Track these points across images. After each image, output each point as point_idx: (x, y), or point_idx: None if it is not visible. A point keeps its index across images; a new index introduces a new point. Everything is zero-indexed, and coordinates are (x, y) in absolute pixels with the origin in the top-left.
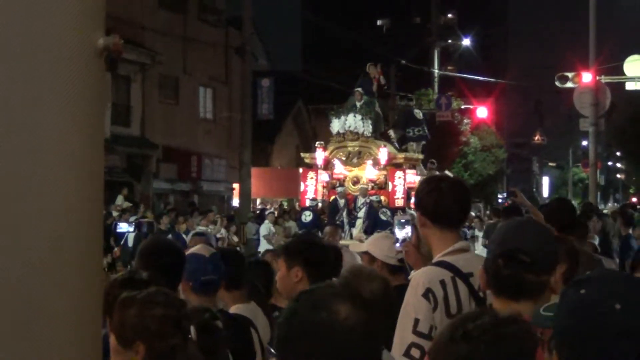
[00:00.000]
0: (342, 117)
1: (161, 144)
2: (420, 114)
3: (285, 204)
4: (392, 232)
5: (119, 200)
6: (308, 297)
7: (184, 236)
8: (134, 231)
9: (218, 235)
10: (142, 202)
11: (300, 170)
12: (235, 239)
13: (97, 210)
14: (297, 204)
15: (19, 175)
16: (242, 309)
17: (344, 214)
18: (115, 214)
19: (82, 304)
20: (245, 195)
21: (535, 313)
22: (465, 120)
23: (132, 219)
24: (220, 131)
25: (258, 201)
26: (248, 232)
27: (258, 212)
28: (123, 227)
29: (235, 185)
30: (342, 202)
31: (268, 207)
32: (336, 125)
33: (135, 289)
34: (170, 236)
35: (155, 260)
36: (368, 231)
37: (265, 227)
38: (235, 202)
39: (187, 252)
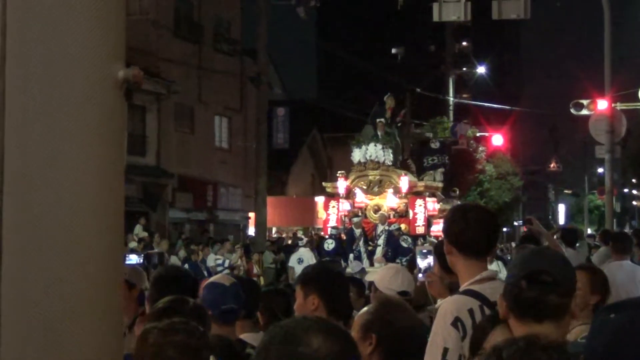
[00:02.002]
0: (363, 147)
1: (177, 173)
2: (437, 144)
3: (300, 232)
4: (414, 259)
5: (137, 229)
6: (280, 330)
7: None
8: (142, 263)
9: (234, 264)
10: (157, 231)
11: (316, 199)
12: (257, 268)
13: (118, 241)
14: (313, 233)
15: (40, 207)
16: (249, 338)
17: (361, 243)
18: (133, 244)
19: (102, 332)
20: (261, 224)
21: (574, 343)
22: (481, 148)
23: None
24: (236, 160)
25: (274, 230)
26: (265, 261)
27: (275, 240)
28: (133, 259)
29: (251, 214)
30: (358, 231)
31: (284, 235)
32: (357, 154)
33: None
34: (186, 266)
35: (168, 287)
36: (389, 258)
37: (299, 255)
38: (251, 231)
39: (208, 281)
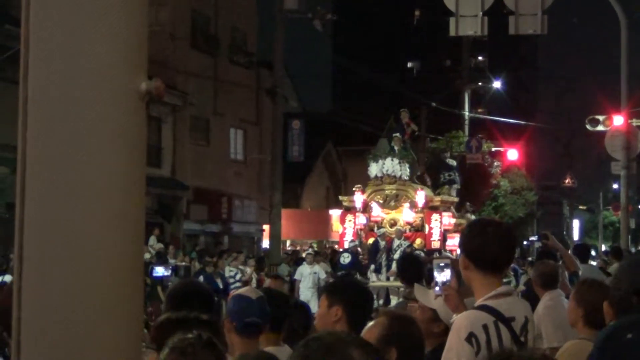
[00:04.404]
0: (380, 161)
1: (192, 185)
2: (453, 162)
3: (315, 245)
4: (431, 276)
5: (152, 240)
6: (318, 342)
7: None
8: (171, 275)
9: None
10: (172, 243)
11: (331, 212)
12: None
13: (138, 251)
14: (327, 246)
15: (61, 217)
16: (273, 352)
17: (384, 255)
18: (147, 255)
19: (123, 342)
20: (275, 236)
21: None
22: (496, 163)
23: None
24: (251, 173)
25: (288, 243)
26: (280, 273)
27: (291, 253)
28: (159, 271)
29: (266, 227)
30: (382, 243)
31: (298, 248)
32: (374, 168)
33: (187, 327)
34: (201, 278)
35: (183, 302)
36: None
37: (301, 269)
38: (266, 243)
39: (235, 293)
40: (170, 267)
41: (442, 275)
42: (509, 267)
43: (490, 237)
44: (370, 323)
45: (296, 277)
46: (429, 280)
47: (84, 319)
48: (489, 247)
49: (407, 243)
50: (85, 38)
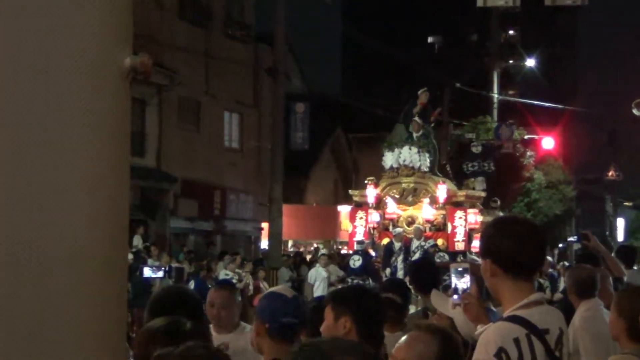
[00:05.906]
0: (396, 150)
1: (180, 177)
2: (479, 148)
3: (321, 246)
4: (449, 281)
5: (136, 240)
6: (313, 349)
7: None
8: (163, 277)
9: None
10: (157, 243)
11: (339, 208)
12: (265, 285)
13: (120, 254)
14: (334, 246)
15: (35, 200)
16: None
17: (399, 258)
18: (130, 256)
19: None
20: (275, 236)
21: None
22: (529, 153)
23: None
24: (248, 163)
25: (290, 243)
26: (281, 278)
27: (292, 255)
28: (147, 272)
29: (264, 225)
30: (397, 245)
31: (301, 249)
32: (389, 159)
33: (177, 339)
34: (193, 283)
35: (166, 311)
36: None
37: (315, 272)
38: (264, 244)
39: (268, 291)
40: (162, 268)
41: (462, 282)
42: (539, 271)
43: (521, 238)
44: (405, 337)
45: (309, 280)
46: (446, 289)
47: (59, 332)
48: (520, 249)
49: (431, 242)
50: (60, 6)
